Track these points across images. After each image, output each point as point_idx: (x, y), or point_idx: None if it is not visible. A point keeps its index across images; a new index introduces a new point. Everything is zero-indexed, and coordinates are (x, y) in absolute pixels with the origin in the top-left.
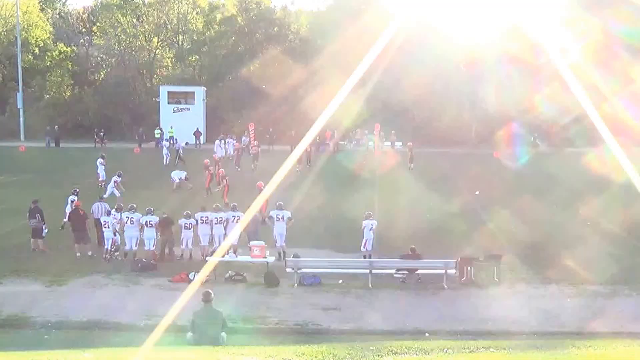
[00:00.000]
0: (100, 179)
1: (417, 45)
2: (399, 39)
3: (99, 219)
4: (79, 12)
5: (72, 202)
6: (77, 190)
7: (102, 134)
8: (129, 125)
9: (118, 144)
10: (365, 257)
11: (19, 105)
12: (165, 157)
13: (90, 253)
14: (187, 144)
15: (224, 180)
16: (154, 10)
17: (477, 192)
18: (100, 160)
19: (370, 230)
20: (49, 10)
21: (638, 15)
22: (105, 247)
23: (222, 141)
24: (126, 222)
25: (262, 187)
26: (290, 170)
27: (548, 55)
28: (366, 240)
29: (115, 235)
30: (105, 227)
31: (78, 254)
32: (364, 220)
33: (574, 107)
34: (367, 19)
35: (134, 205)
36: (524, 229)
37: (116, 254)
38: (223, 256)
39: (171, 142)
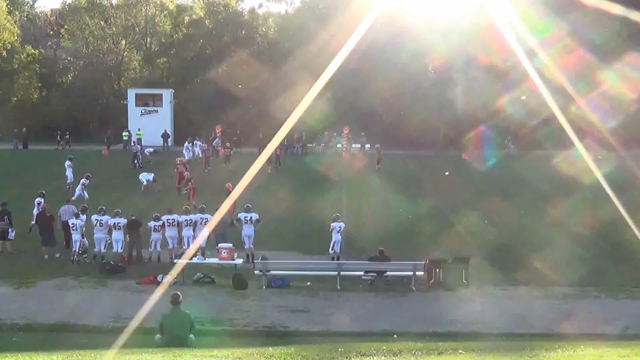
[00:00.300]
0: (68, 181)
1: (385, 48)
2: (367, 42)
3: (67, 222)
4: (46, 15)
5: (38, 204)
6: (44, 192)
7: (67, 136)
8: (97, 128)
9: (87, 146)
10: (333, 259)
11: None
12: (136, 159)
13: (58, 255)
14: (153, 151)
15: (190, 183)
16: (121, 12)
17: (447, 173)
18: (68, 162)
19: (338, 232)
20: (17, 13)
21: (604, 19)
22: (74, 249)
23: (190, 144)
24: (95, 225)
25: (231, 189)
26: (259, 171)
27: (516, 58)
28: (334, 242)
29: (83, 237)
30: (74, 230)
31: (46, 257)
32: (332, 223)
33: (542, 110)
34: (334, 22)
35: (103, 208)
36: (492, 231)
37: (84, 256)
38: (191, 258)
39: (137, 144)
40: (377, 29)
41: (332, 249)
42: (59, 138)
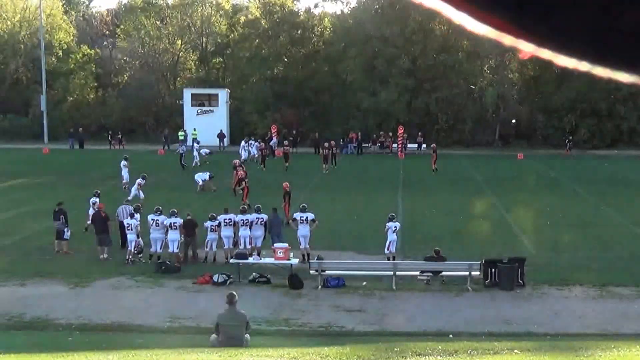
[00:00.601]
0: (124, 181)
1: (441, 48)
2: (423, 41)
3: (122, 222)
4: (102, 15)
5: (93, 204)
6: (98, 192)
7: (119, 136)
8: (152, 128)
9: (142, 145)
10: (389, 259)
11: (43, 107)
12: (194, 159)
13: (105, 256)
14: (209, 152)
15: (244, 182)
16: (177, 12)
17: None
18: (124, 162)
19: (393, 232)
20: (73, 13)
21: None
22: (129, 249)
23: (247, 143)
24: (151, 225)
25: (288, 188)
26: (315, 171)
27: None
28: (389, 242)
29: (138, 237)
30: (129, 230)
31: (101, 257)
32: (387, 222)
33: (597, 109)
34: (390, 21)
35: (160, 208)
36: (548, 231)
37: (139, 256)
38: (247, 258)
39: (181, 145)
40: (433, 29)
41: (387, 249)
42: (109, 138)
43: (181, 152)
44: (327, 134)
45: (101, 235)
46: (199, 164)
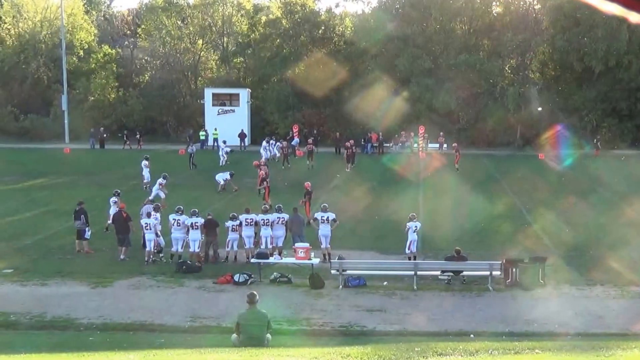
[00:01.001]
0: (145, 181)
1: (462, 47)
2: (444, 41)
3: None
4: (123, 15)
5: (114, 203)
6: (119, 191)
7: (137, 136)
8: (173, 127)
9: (163, 145)
10: (409, 258)
11: (64, 107)
12: (221, 158)
13: (122, 257)
14: (231, 150)
15: (265, 182)
16: (198, 12)
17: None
18: (145, 162)
19: (414, 232)
20: (94, 13)
21: None
22: (147, 249)
23: (268, 143)
24: (172, 224)
25: (310, 188)
26: (337, 171)
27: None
28: (410, 242)
29: (157, 236)
30: (147, 229)
31: (122, 257)
32: (408, 222)
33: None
34: (411, 21)
35: (181, 207)
36: (569, 231)
37: (160, 255)
38: (268, 258)
39: (191, 145)
40: (454, 28)
41: (408, 249)
42: (125, 138)
43: (190, 152)
44: (348, 133)
45: (121, 235)
46: (228, 163)
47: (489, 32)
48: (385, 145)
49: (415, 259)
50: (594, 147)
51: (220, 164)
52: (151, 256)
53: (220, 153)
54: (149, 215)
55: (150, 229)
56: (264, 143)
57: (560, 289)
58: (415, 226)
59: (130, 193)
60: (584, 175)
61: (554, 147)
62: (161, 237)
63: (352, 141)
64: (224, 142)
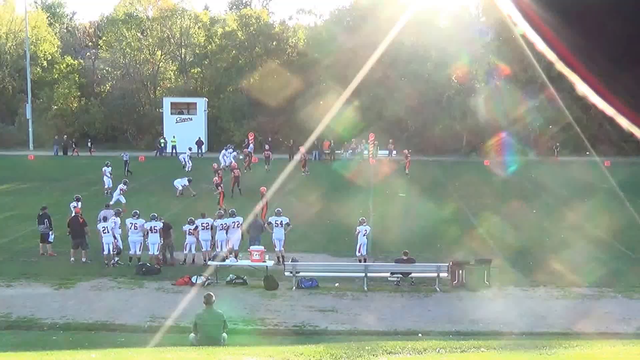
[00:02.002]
0: (105, 187)
1: (410, 58)
2: (393, 52)
3: None
4: (85, 27)
5: (73, 208)
6: (79, 197)
7: (89, 143)
8: (134, 135)
9: (125, 152)
10: (360, 261)
11: (28, 115)
12: (187, 164)
13: (84, 259)
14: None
15: (219, 188)
16: (157, 24)
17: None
18: (105, 168)
19: (364, 235)
20: (57, 25)
21: None
22: (105, 252)
23: (226, 151)
24: (129, 228)
25: (265, 192)
26: (291, 176)
27: (535, 68)
28: (360, 245)
29: (115, 238)
30: (105, 233)
31: (72, 259)
32: (358, 226)
33: (560, 117)
34: (362, 33)
35: (137, 212)
36: (513, 234)
37: (117, 259)
38: (224, 260)
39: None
40: (402, 40)
41: (358, 252)
42: (74, 145)
43: (125, 158)
44: (301, 140)
45: (77, 239)
46: (191, 169)
47: (436, 44)
48: (336, 152)
49: (365, 262)
50: (553, 153)
51: (187, 170)
52: (111, 259)
53: (186, 159)
54: (105, 219)
55: (108, 232)
56: (223, 151)
57: (505, 290)
58: (365, 230)
59: (91, 198)
60: (527, 181)
61: (499, 154)
62: (120, 240)
63: (302, 147)
64: (190, 149)
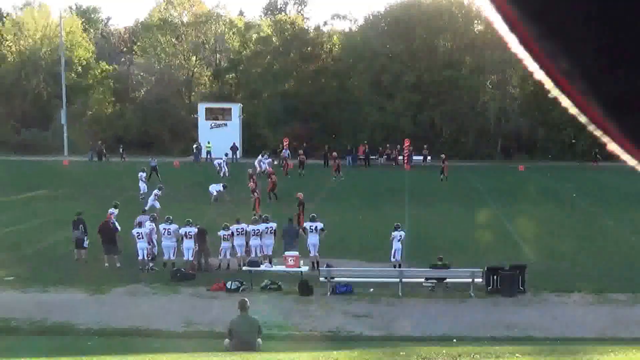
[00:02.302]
0: (141, 192)
1: (445, 64)
2: (428, 57)
3: None
4: (120, 32)
5: (111, 214)
6: (117, 203)
7: (121, 149)
8: (168, 141)
9: (160, 158)
10: (394, 266)
11: (63, 121)
12: (223, 169)
13: (118, 265)
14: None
15: (255, 193)
16: (192, 30)
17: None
18: (141, 173)
19: (398, 240)
20: (92, 31)
21: None
22: (140, 257)
23: (263, 157)
24: (163, 233)
25: (302, 198)
26: (326, 182)
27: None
28: (395, 251)
29: (149, 244)
30: (140, 238)
31: (107, 265)
32: (393, 232)
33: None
34: (396, 38)
35: (170, 217)
36: (548, 239)
37: (151, 264)
38: (259, 266)
39: (208, 156)
40: (437, 45)
41: (393, 257)
42: (104, 151)
43: (153, 164)
44: (336, 146)
45: (107, 245)
46: (227, 175)
47: (471, 49)
48: (371, 157)
49: (400, 267)
50: (593, 158)
51: (222, 176)
52: (145, 265)
53: (222, 165)
54: (140, 225)
55: (142, 238)
56: (259, 157)
57: (540, 296)
58: (400, 235)
59: (126, 204)
60: (566, 186)
61: (533, 160)
62: (156, 246)
63: (334, 153)
64: (226, 154)
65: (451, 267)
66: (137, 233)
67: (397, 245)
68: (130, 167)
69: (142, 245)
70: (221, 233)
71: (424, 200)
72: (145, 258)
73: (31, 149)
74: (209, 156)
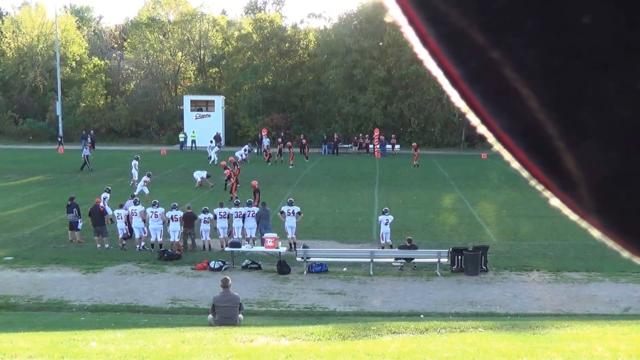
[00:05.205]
0: (133, 179)
1: (414, 59)
2: (397, 53)
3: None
4: (111, 30)
5: (104, 199)
6: (109, 188)
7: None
8: (156, 131)
9: (147, 147)
10: (383, 247)
11: (58, 112)
12: (212, 157)
13: (107, 246)
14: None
15: (231, 179)
16: (178, 28)
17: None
18: (134, 161)
19: (386, 224)
20: (85, 28)
21: None
22: (120, 237)
23: (248, 145)
24: (150, 216)
25: (257, 186)
26: (300, 169)
27: None
28: (383, 234)
29: (125, 225)
30: (119, 219)
31: (98, 246)
32: (380, 216)
33: None
34: (368, 35)
35: (157, 201)
36: (509, 222)
37: (124, 242)
38: (240, 246)
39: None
40: (405, 42)
41: (382, 239)
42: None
43: (84, 154)
44: (311, 136)
45: (97, 227)
46: (215, 162)
47: None
48: (344, 146)
49: (391, 248)
50: None
51: (210, 163)
52: (119, 243)
53: (211, 153)
54: (120, 206)
55: (121, 218)
56: (246, 146)
57: (501, 274)
58: (387, 219)
59: (117, 189)
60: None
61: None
62: (139, 228)
63: (304, 140)
64: (211, 141)
65: (418, 247)
66: (117, 214)
67: (384, 229)
68: (119, 155)
69: (120, 226)
70: (201, 216)
71: (394, 185)
72: (122, 237)
73: (28, 138)
74: (193, 145)
